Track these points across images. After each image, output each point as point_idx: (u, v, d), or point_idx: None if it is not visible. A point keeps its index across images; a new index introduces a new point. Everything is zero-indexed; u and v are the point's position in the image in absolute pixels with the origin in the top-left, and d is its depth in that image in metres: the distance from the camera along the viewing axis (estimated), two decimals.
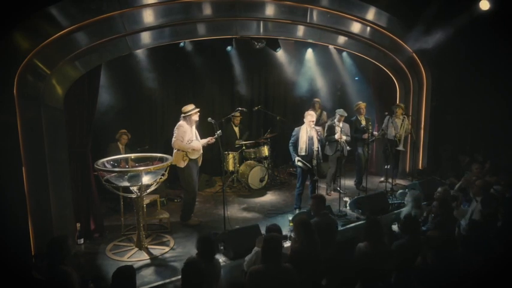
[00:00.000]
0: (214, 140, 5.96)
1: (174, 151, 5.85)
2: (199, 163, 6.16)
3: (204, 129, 6.52)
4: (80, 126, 5.42)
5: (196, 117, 5.93)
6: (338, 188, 7.34)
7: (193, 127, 5.99)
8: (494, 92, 7.97)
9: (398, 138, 7.72)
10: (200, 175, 7.18)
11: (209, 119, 5.81)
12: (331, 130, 7.20)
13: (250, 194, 7.78)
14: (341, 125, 7.10)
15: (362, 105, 7.78)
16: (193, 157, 5.90)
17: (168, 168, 5.28)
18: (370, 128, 7.53)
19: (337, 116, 7.23)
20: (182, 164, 5.85)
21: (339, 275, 3.89)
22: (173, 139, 5.82)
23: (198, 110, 5.93)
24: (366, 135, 7.45)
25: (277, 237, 3.57)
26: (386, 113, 7.73)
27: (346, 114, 7.27)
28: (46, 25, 4.57)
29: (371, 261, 3.82)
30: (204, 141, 6.07)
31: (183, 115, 5.92)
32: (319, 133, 6.35)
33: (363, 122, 7.69)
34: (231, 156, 8.02)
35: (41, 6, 4.38)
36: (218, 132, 5.77)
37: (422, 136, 8.88)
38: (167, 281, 4.50)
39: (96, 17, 4.87)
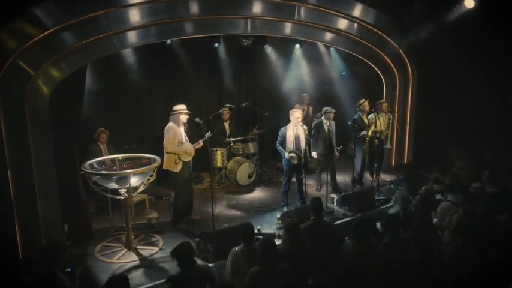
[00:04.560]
0: (203, 143, 5.93)
1: (166, 155, 5.74)
2: (192, 165, 6.12)
3: (192, 129, 6.47)
4: (66, 126, 5.36)
5: (184, 119, 5.84)
6: (337, 187, 7.48)
7: (182, 129, 5.90)
8: (482, 87, 8.08)
9: (384, 136, 7.79)
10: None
11: (197, 119, 5.78)
12: (319, 128, 7.24)
13: (238, 190, 7.82)
14: (328, 123, 7.17)
15: (365, 102, 7.69)
16: (186, 160, 5.81)
17: (156, 169, 5.27)
18: (373, 126, 7.58)
19: (325, 114, 7.25)
20: (176, 168, 5.74)
21: (327, 273, 3.99)
22: (164, 142, 5.70)
23: (187, 112, 5.85)
24: (365, 133, 7.47)
25: (271, 239, 3.66)
26: (373, 110, 7.78)
27: (333, 111, 7.29)
28: (30, 26, 4.48)
29: (358, 260, 3.91)
30: (198, 143, 5.99)
31: (171, 113, 5.84)
32: (306, 131, 6.40)
33: (365, 120, 7.67)
34: (219, 152, 8.03)
35: (25, 7, 4.29)
36: (207, 134, 5.73)
37: (408, 130, 9.01)
38: (157, 282, 4.50)
39: (81, 17, 4.80)
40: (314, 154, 7.21)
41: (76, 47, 4.97)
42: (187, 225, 6.13)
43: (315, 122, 7.28)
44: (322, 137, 7.15)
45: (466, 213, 4.61)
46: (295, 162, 6.35)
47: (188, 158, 5.87)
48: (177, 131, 5.76)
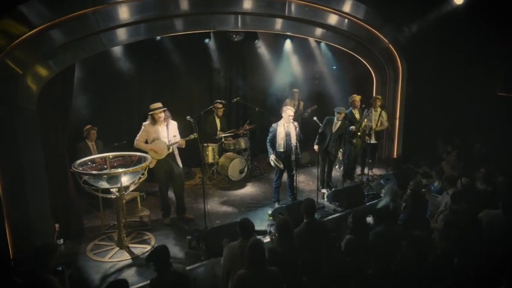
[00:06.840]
0: (182, 142, 5.86)
1: None
2: (177, 161, 5.99)
3: (185, 126, 6.42)
4: (55, 125, 5.31)
5: (161, 116, 5.73)
6: (331, 183, 7.49)
7: (164, 126, 5.81)
8: (471, 82, 8.17)
9: (373, 131, 7.83)
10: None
11: (188, 117, 5.74)
12: (329, 124, 7.14)
13: (229, 186, 7.84)
14: (339, 122, 7.10)
15: (357, 97, 7.70)
16: (155, 157, 5.74)
17: (147, 168, 5.27)
18: (366, 120, 7.59)
19: (336, 115, 7.10)
20: (151, 164, 5.68)
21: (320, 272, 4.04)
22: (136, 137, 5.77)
23: (163, 109, 5.75)
24: (353, 128, 7.43)
25: (260, 243, 3.62)
26: (364, 106, 7.81)
27: (345, 111, 7.20)
28: (17, 24, 4.41)
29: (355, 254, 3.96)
30: (175, 142, 5.87)
31: (149, 113, 5.80)
32: (297, 128, 6.42)
33: (357, 115, 7.70)
34: (210, 148, 8.02)
35: (11, 5, 4.22)
36: (193, 135, 5.72)
37: (397, 125, 9.09)
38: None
39: (69, 15, 4.73)
40: (316, 148, 7.17)
41: (64, 45, 4.90)
42: (180, 223, 6.14)
43: (328, 117, 7.16)
44: (330, 134, 7.11)
45: (454, 212, 4.66)
46: (272, 165, 6.49)
47: (157, 157, 5.77)
48: (149, 129, 5.74)
